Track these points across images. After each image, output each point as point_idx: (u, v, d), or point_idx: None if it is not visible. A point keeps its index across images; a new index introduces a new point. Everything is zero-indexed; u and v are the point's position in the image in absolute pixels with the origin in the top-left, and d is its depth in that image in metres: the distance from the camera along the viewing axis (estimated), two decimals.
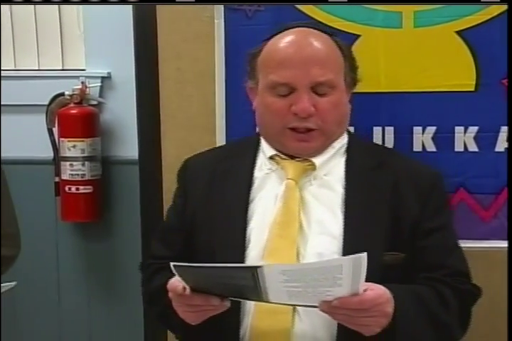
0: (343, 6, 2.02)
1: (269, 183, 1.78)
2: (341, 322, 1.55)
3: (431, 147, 2.07)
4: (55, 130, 2.78)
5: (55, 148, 2.79)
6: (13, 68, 2.85)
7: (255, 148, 1.83)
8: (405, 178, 1.75)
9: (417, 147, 2.08)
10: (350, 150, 1.81)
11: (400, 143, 2.08)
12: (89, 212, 2.82)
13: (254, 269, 1.43)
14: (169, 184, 2.02)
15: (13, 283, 1.91)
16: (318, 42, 1.74)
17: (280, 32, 1.78)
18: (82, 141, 2.73)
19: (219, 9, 2.09)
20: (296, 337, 1.65)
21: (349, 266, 1.41)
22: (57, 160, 2.78)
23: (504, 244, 2.05)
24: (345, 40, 2.03)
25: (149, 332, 2.28)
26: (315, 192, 1.75)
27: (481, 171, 2.06)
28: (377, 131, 2.08)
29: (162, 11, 2.13)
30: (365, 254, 1.40)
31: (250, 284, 1.46)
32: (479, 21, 2.01)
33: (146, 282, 1.84)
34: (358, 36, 2.05)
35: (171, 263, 1.46)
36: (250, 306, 1.66)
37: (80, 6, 2.76)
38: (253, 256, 1.69)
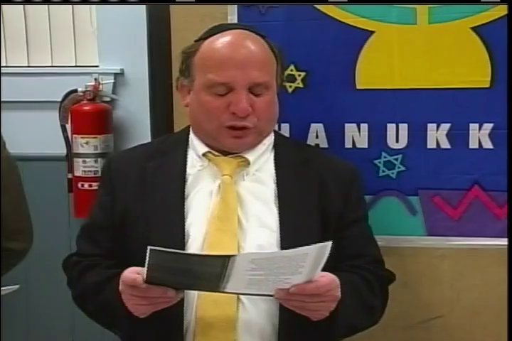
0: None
1: (202, 179, 1.82)
2: (294, 309, 1.60)
3: (445, 144, 2.07)
4: (68, 126, 2.78)
5: (68, 145, 2.79)
6: (27, 65, 2.85)
7: (184, 145, 1.87)
8: (328, 174, 1.84)
9: (431, 144, 2.07)
10: (277, 147, 1.88)
11: (414, 140, 2.07)
12: None
13: (228, 257, 1.47)
14: None
15: (16, 287, 1.91)
16: (255, 44, 1.79)
17: (216, 32, 1.81)
18: (95, 137, 2.72)
19: (232, 6, 2.08)
20: (241, 327, 1.70)
21: (314, 254, 1.47)
22: (70, 156, 2.78)
23: None
24: (359, 37, 2.04)
25: None
26: (249, 188, 1.81)
27: (496, 168, 2.06)
28: (391, 127, 2.08)
29: (175, 7, 2.12)
30: (329, 243, 1.48)
31: (216, 272, 1.49)
32: (494, 17, 2.00)
33: (75, 280, 1.84)
34: (372, 32, 2.04)
35: (149, 247, 1.46)
36: (194, 297, 1.69)
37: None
38: (194, 250, 1.72)
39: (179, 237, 1.72)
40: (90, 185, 2.76)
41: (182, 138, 1.89)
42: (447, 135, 2.06)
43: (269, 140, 1.87)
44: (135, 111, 2.76)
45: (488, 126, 2.04)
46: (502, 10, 1.99)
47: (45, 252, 2.65)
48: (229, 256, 1.48)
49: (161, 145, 1.92)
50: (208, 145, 1.84)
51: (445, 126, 2.06)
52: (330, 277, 1.59)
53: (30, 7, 2.80)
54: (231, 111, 1.76)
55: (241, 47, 1.78)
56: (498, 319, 2.09)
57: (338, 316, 1.64)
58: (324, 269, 1.57)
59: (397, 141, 2.08)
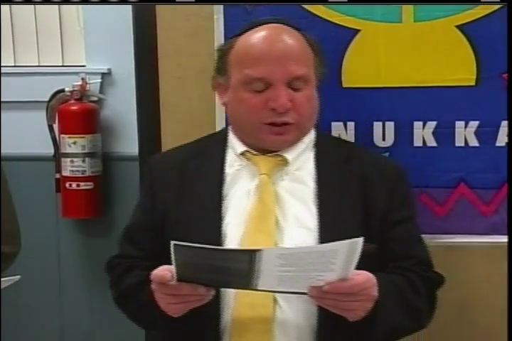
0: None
1: (240, 179, 1.79)
2: (328, 308, 1.57)
3: (431, 142, 2.07)
4: (56, 126, 2.78)
5: (56, 145, 2.79)
6: (13, 64, 2.85)
7: (223, 144, 1.85)
8: (372, 172, 1.79)
9: (417, 142, 2.07)
10: (318, 145, 1.84)
11: (400, 138, 2.07)
12: (89, 208, 2.82)
13: (254, 252, 1.45)
14: None
15: (17, 277, 1.90)
16: (291, 37, 1.76)
17: (251, 28, 1.79)
18: (83, 137, 2.73)
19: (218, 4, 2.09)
20: (278, 330, 1.66)
21: (344, 250, 1.45)
22: (57, 156, 2.78)
23: (505, 239, 2.04)
24: (345, 35, 2.04)
25: None
26: (288, 187, 1.77)
27: (482, 166, 2.06)
28: (377, 126, 2.08)
29: (161, 7, 2.12)
30: (361, 239, 1.44)
31: (245, 268, 1.47)
32: (479, 15, 2.00)
33: (116, 281, 1.83)
34: (357, 31, 2.04)
35: (172, 242, 1.46)
36: (230, 300, 1.68)
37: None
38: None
39: (216, 238, 1.70)
40: (78, 185, 2.77)
41: (221, 138, 1.86)
42: (433, 133, 2.06)
43: (309, 138, 1.83)
44: (122, 110, 2.77)
45: (474, 124, 2.05)
46: (487, 8, 1.99)
47: (33, 252, 2.65)
48: (254, 251, 1.45)
49: (199, 145, 1.89)
50: (247, 144, 1.80)
51: (431, 124, 2.06)
52: (366, 275, 1.55)
53: (16, 6, 2.80)
54: (270, 108, 1.72)
55: (277, 41, 1.75)
56: (484, 316, 2.10)
57: (377, 317, 1.59)
58: (368, 270, 1.55)
59: (383, 139, 2.08)
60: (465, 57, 2.02)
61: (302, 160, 1.81)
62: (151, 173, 1.87)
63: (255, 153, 1.80)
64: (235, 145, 1.83)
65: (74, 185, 2.76)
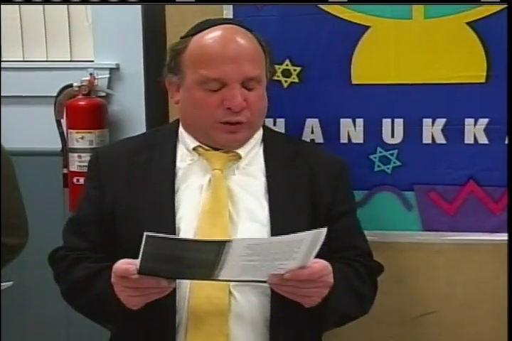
0: None
1: (192, 174, 1.82)
2: (287, 295, 1.61)
3: (440, 139, 2.07)
4: (64, 121, 2.78)
5: (64, 140, 2.78)
6: (22, 59, 2.85)
7: (174, 139, 1.87)
8: (317, 167, 1.85)
9: (426, 139, 2.07)
10: (266, 141, 1.88)
11: (409, 135, 2.07)
12: None
13: (224, 243, 1.48)
14: None
15: (10, 283, 1.91)
16: (244, 38, 1.79)
17: (203, 28, 1.81)
18: (91, 132, 2.72)
19: None
20: (233, 321, 1.70)
21: (309, 240, 1.49)
22: (65, 151, 2.78)
23: None
24: (355, 32, 2.04)
25: None
26: (239, 182, 1.81)
27: (491, 164, 2.06)
28: (386, 122, 2.08)
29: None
30: (325, 229, 1.51)
31: (210, 258, 1.49)
32: (490, 12, 2.00)
33: (63, 274, 1.83)
34: (367, 27, 2.04)
35: (145, 233, 1.46)
36: (185, 291, 1.70)
37: None
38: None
39: (169, 232, 1.70)
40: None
41: (171, 132, 1.89)
42: (443, 130, 2.06)
43: (259, 134, 1.88)
44: (130, 106, 2.76)
45: (483, 121, 2.04)
46: (497, 5, 1.98)
47: (40, 247, 2.65)
48: (225, 241, 1.48)
49: (149, 138, 1.91)
50: (198, 140, 1.84)
51: (440, 121, 2.06)
52: (323, 263, 1.61)
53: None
54: (225, 107, 1.75)
55: (231, 41, 1.77)
56: (492, 314, 2.09)
57: (330, 303, 1.65)
58: None
59: (392, 136, 2.08)
60: (475, 54, 2.01)
61: (252, 155, 1.85)
62: (98, 165, 1.87)
63: (207, 148, 1.83)
64: (186, 141, 1.85)
65: (81, 180, 2.75)
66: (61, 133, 2.78)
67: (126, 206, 1.79)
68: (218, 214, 1.75)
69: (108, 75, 2.76)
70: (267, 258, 1.51)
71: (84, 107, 2.72)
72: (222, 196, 1.77)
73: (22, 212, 2.08)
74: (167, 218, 1.75)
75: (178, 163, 1.83)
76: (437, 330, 2.14)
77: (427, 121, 2.06)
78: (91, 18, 2.76)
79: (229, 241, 1.49)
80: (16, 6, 2.80)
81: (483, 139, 2.05)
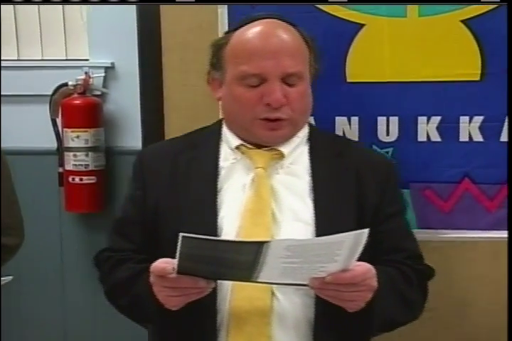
0: None
1: (235, 173, 1.79)
2: (329, 299, 1.57)
3: (435, 137, 2.07)
4: (59, 120, 2.78)
5: (59, 139, 2.79)
6: (17, 58, 2.85)
7: (217, 138, 1.85)
8: (364, 167, 1.81)
9: (421, 137, 2.07)
10: (311, 140, 1.84)
11: (404, 133, 2.07)
12: (92, 202, 2.82)
13: (262, 243, 1.45)
14: None
15: (10, 278, 1.91)
16: (286, 33, 1.76)
17: (246, 23, 1.79)
18: (86, 131, 2.73)
19: None
20: (276, 322, 1.67)
21: (350, 241, 1.45)
22: (60, 150, 2.78)
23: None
24: (349, 30, 2.04)
25: None
26: (283, 181, 1.78)
27: (486, 161, 2.06)
28: (381, 121, 2.08)
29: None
30: (366, 230, 1.46)
31: (250, 259, 1.47)
32: (484, 10, 2.00)
33: (107, 275, 1.82)
34: (362, 25, 2.04)
35: (180, 234, 1.45)
36: (227, 292, 1.67)
37: None
38: None
39: (211, 231, 1.68)
40: (81, 179, 2.76)
41: (214, 131, 1.86)
42: (438, 128, 2.06)
43: (304, 132, 1.84)
44: (126, 104, 2.76)
45: (478, 119, 2.04)
46: (492, 3, 1.98)
47: (36, 246, 2.65)
48: (263, 242, 1.45)
49: (192, 138, 1.89)
50: (241, 138, 1.81)
51: (435, 119, 2.06)
52: (366, 266, 1.56)
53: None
54: (265, 103, 1.73)
55: (272, 36, 1.75)
56: (488, 311, 2.10)
57: (375, 308, 1.60)
58: None
59: (387, 134, 2.08)
60: (470, 52, 2.01)
61: (297, 154, 1.81)
62: (142, 165, 1.86)
63: (250, 147, 1.80)
64: (229, 139, 1.83)
65: (77, 179, 2.76)
66: (56, 132, 2.79)
67: (168, 206, 1.77)
68: (261, 213, 1.72)
69: (103, 74, 2.76)
70: (308, 260, 1.47)
71: (79, 106, 2.73)
72: (265, 195, 1.74)
73: (18, 212, 2.08)
74: (209, 218, 1.72)
75: (221, 163, 1.80)
76: (434, 327, 2.14)
77: (422, 119, 2.06)
78: (86, 17, 2.76)
79: (267, 242, 1.45)
80: (11, 5, 2.80)
81: (478, 137, 2.05)
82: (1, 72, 2.72)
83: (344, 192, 1.77)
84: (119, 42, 2.70)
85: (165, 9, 2.13)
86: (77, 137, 2.73)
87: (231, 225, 1.72)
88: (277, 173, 1.79)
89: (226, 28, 2.06)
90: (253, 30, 1.77)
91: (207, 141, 1.85)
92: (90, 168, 2.76)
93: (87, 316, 2.95)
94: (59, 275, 2.95)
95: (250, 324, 1.66)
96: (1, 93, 2.73)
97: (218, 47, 1.81)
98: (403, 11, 2.02)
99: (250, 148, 1.80)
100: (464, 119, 2.05)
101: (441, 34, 2.02)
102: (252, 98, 1.74)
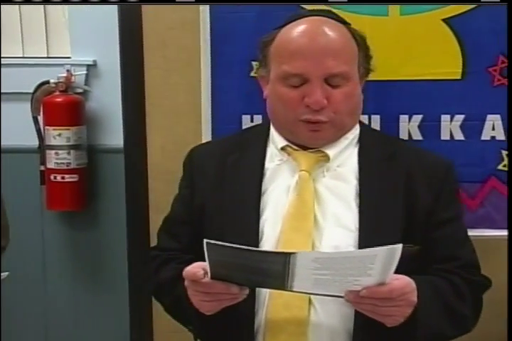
0: None
1: (280, 174, 1.75)
2: (366, 313, 1.53)
3: (417, 135, 2.07)
4: (40, 118, 2.77)
5: (40, 137, 2.77)
6: None
7: (265, 138, 1.81)
8: (418, 169, 1.74)
9: (403, 135, 2.07)
10: (362, 141, 1.79)
11: (386, 131, 2.07)
12: (74, 200, 2.81)
13: (288, 255, 1.42)
14: (154, 173, 2.00)
15: (6, 273, 1.90)
16: (332, 31, 1.71)
17: (293, 20, 1.75)
18: (68, 129, 2.72)
19: None
20: (312, 332, 1.63)
21: (382, 256, 1.41)
22: (42, 148, 2.77)
23: (490, 232, 2.07)
24: None
25: (135, 321, 2.27)
26: (328, 184, 1.73)
27: (467, 160, 2.06)
28: (363, 119, 2.07)
29: None
30: (400, 246, 1.41)
31: (279, 269, 1.44)
32: (466, 9, 2.00)
33: (154, 273, 1.77)
34: None
35: (205, 240, 1.43)
36: (265, 299, 1.65)
37: None
38: (267, 248, 1.66)
39: (253, 235, 1.67)
40: (63, 177, 2.76)
41: (263, 131, 1.82)
42: (419, 126, 2.07)
43: (354, 133, 1.78)
44: (108, 102, 2.75)
45: (459, 118, 2.05)
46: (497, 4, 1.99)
47: (17, 244, 2.64)
48: (289, 254, 1.42)
49: (241, 138, 1.85)
50: (286, 138, 1.76)
51: (417, 118, 2.06)
52: (405, 280, 1.51)
53: None
54: (305, 104, 1.68)
55: (316, 35, 1.69)
56: (487, 308, 2.09)
57: (418, 323, 1.54)
58: (409, 272, 1.52)
59: None
60: (451, 50, 2.02)
61: (345, 156, 1.76)
62: (191, 164, 1.84)
63: (296, 148, 1.76)
64: (275, 140, 1.79)
65: (59, 178, 2.75)
66: (38, 130, 2.77)
67: (213, 207, 1.75)
68: (302, 218, 1.68)
69: (85, 72, 2.76)
70: (339, 273, 1.44)
71: (61, 104, 2.72)
72: (309, 199, 1.69)
73: (3, 213, 2.07)
74: (251, 221, 1.69)
75: (267, 164, 1.76)
76: None
77: (403, 118, 2.07)
78: (67, 14, 2.75)
79: (293, 253, 1.42)
80: None
81: (459, 135, 2.06)
82: None
83: (393, 197, 1.70)
84: (100, 39, 2.69)
85: (146, 7, 2.12)
86: (59, 135, 2.72)
87: (273, 229, 1.69)
88: (323, 176, 1.74)
89: (208, 26, 2.06)
90: (298, 28, 1.71)
91: (255, 140, 1.81)
92: (72, 166, 2.75)
93: (69, 314, 2.94)
94: (40, 274, 2.94)
95: (286, 332, 1.63)
96: None
97: (265, 44, 1.76)
98: (385, 10, 2.02)
99: (296, 150, 1.75)
100: (445, 118, 2.05)
101: (423, 33, 2.02)
102: (294, 98, 1.69)
